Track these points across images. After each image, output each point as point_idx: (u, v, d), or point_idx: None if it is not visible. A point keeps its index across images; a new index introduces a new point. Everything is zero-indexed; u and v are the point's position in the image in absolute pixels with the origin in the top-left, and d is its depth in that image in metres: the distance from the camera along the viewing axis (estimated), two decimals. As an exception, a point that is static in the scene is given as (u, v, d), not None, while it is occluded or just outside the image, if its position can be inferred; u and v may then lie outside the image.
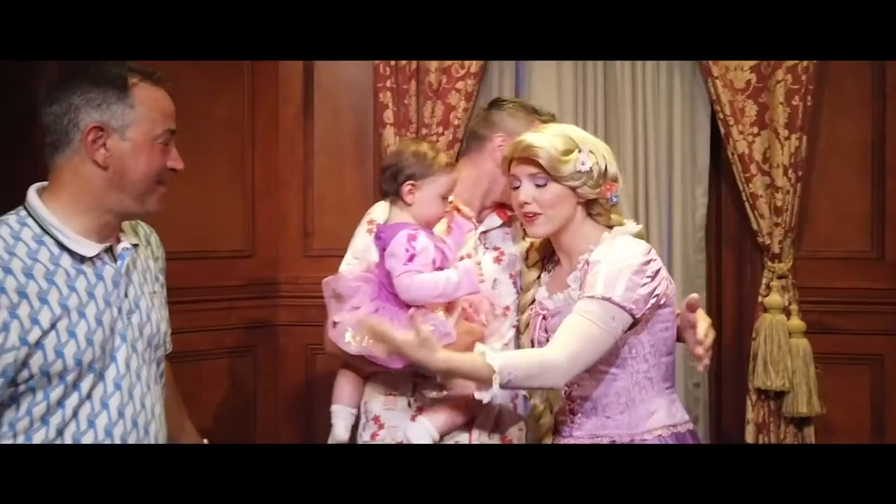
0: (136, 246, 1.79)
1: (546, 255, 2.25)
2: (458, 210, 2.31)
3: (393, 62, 3.17)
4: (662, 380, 2.10)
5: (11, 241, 1.62)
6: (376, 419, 2.21)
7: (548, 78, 3.24)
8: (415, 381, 2.18)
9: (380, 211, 2.31)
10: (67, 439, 1.64)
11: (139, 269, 1.80)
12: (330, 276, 2.20)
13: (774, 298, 3.11)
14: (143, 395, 1.74)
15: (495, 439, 2.25)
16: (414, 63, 3.17)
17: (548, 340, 2.10)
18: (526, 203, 2.07)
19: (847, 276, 3.16)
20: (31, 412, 1.61)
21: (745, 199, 3.12)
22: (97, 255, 1.68)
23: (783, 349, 3.07)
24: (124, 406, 1.69)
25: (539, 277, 2.24)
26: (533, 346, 2.16)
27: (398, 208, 2.15)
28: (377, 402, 2.22)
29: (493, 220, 2.40)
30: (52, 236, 1.65)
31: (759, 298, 3.15)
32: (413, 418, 2.15)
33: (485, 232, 2.37)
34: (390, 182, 2.13)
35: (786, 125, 3.06)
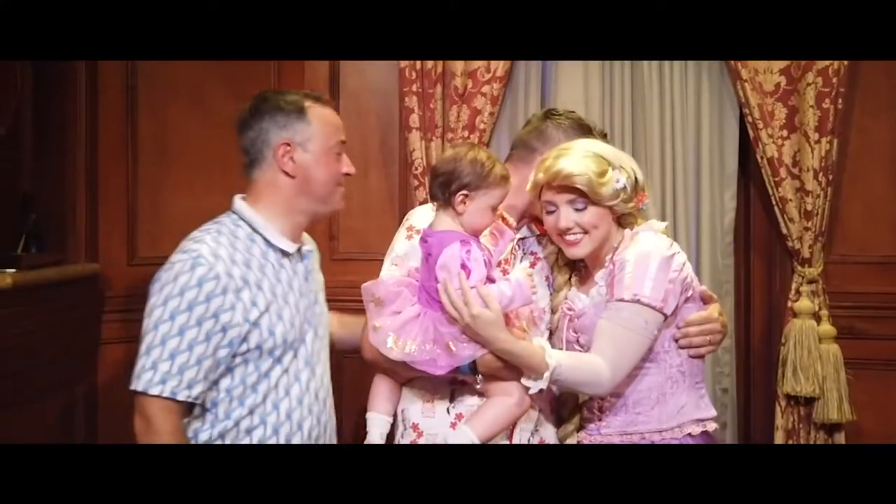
0: (310, 252, 2.13)
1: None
2: (503, 218, 2.28)
3: (419, 66, 3.16)
4: (694, 374, 2.11)
5: (232, 238, 1.98)
6: (415, 427, 2.17)
7: (574, 82, 3.22)
8: (453, 387, 2.14)
9: (419, 217, 2.28)
10: (269, 405, 1.97)
11: (315, 269, 2.16)
12: (369, 281, 2.18)
13: (804, 303, 3.07)
14: (322, 372, 2.10)
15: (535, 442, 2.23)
16: (440, 67, 3.16)
17: (577, 341, 2.11)
18: (569, 229, 2.07)
19: (878, 281, 3.12)
20: (244, 381, 1.95)
21: (774, 203, 3.09)
22: (293, 253, 2.04)
23: (813, 355, 3.03)
24: (310, 380, 2.04)
25: (570, 278, 2.24)
26: (563, 346, 2.15)
27: (447, 216, 2.09)
28: (415, 409, 2.18)
29: (531, 228, 2.38)
30: (261, 235, 2.00)
31: (789, 304, 3.11)
32: (453, 426, 2.11)
33: (522, 239, 2.35)
34: (442, 189, 2.07)
35: (816, 128, 3.02)
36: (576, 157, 2.06)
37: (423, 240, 2.11)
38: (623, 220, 2.13)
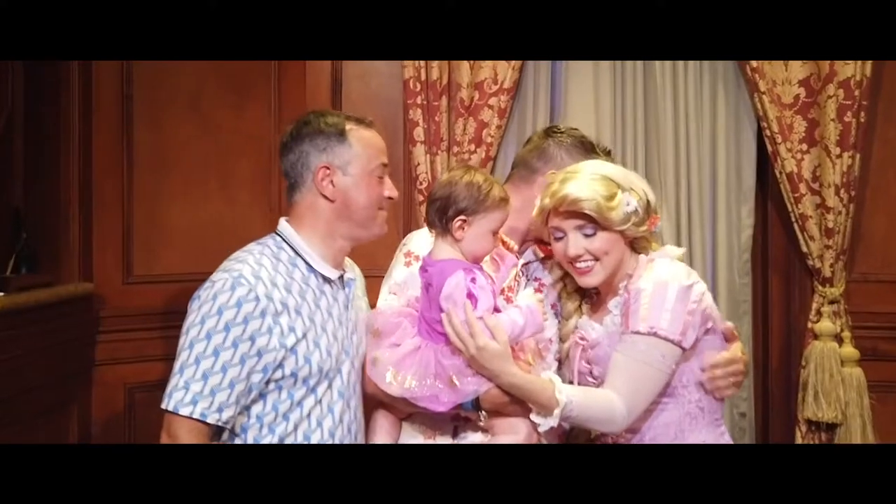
0: (352, 280, 2.08)
1: None
2: (503, 242, 2.17)
3: (423, 77, 3.07)
4: (713, 410, 2.01)
5: (275, 261, 1.93)
6: None
7: (584, 94, 3.13)
8: (456, 423, 2.04)
9: (417, 242, 2.19)
10: (300, 435, 1.92)
11: (357, 297, 2.10)
12: (366, 313, 2.09)
13: (826, 325, 2.96)
14: (356, 406, 2.02)
15: None
16: (445, 78, 3.08)
17: (590, 373, 2.02)
18: (579, 256, 1.97)
19: (903, 301, 3.01)
20: (276, 408, 1.90)
21: (793, 219, 2.98)
22: (334, 280, 1.99)
23: (835, 379, 2.93)
24: (343, 413, 1.97)
25: (580, 305, 2.14)
26: (574, 377, 2.05)
27: (446, 243, 2.00)
28: None
29: (535, 253, 2.27)
30: (303, 259, 1.96)
31: (809, 325, 3.01)
32: None
33: (526, 264, 2.24)
34: (438, 215, 1.98)
35: (837, 142, 2.92)
36: (583, 181, 1.96)
37: (424, 269, 2.01)
38: (637, 245, 2.02)
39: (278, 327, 1.87)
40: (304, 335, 1.90)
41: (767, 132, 2.97)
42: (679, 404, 1.96)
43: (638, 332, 1.88)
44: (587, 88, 3.13)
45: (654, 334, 1.87)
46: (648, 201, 2.00)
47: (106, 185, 3.05)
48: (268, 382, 1.89)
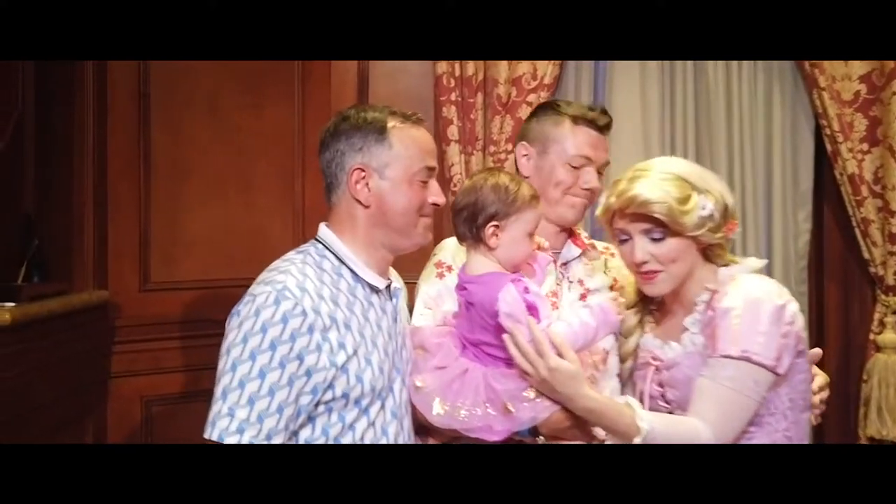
0: (398, 289, 1.91)
1: (647, 296, 1.96)
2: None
3: (458, 73, 2.95)
4: (800, 439, 1.84)
5: (319, 271, 1.75)
6: None
7: (630, 89, 3.00)
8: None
9: (448, 251, 2.05)
10: None
11: (403, 308, 1.92)
12: (408, 327, 1.93)
13: (889, 336, 2.83)
14: (408, 426, 1.84)
15: None
16: (481, 74, 2.95)
17: (663, 396, 1.85)
18: (644, 262, 1.80)
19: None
20: (326, 432, 1.73)
21: (854, 224, 2.83)
22: (381, 290, 1.82)
23: (901, 394, 2.76)
24: (398, 435, 1.80)
25: (642, 321, 1.96)
26: (642, 399, 1.88)
27: (479, 253, 1.84)
28: None
29: (571, 249, 2.11)
30: (348, 268, 1.78)
31: (871, 336, 2.85)
32: None
33: (564, 264, 2.07)
34: (468, 225, 1.83)
35: (902, 141, 2.74)
36: (653, 181, 1.78)
37: (461, 287, 1.85)
38: (710, 254, 1.84)
39: (327, 344, 1.69)
40: (355, 352, 1.72)
41: (827, 131, 2.82)
42: (765, 433, 1.78)
43: (728, 357, 1.70)
44: (633, 84, 2.99)
45: (747, 359, 1.69)
46: (726, 205, 1.81)
47: (121, 188, 2.92)
48: (317, 405, 1.71)
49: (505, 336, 1.74)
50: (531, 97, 2.89)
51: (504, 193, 1.81)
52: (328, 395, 1.70)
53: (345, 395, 1.71)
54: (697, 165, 1.88)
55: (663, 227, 1.77)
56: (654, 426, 1.67)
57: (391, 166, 1.77)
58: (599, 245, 2.16)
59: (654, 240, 1.78)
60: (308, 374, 1.67)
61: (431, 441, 1.93)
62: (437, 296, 2.00)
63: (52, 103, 2.74)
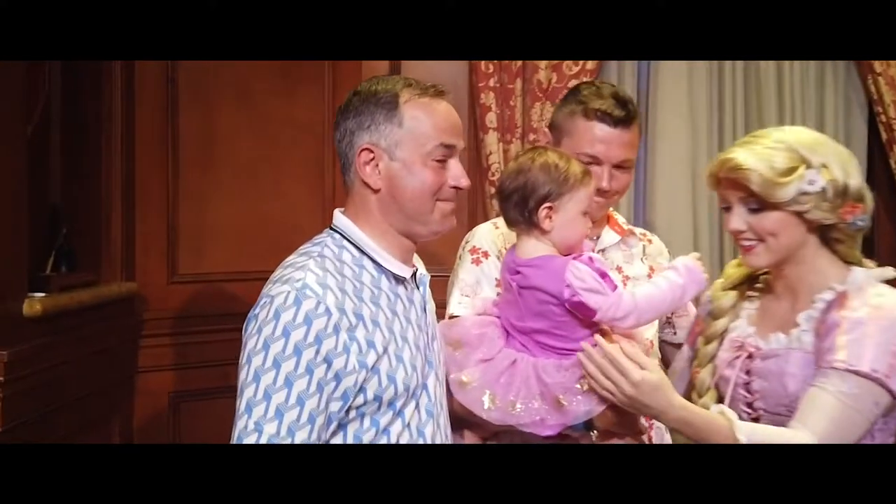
0: (424, 277, 1.75)
1: (749, 279, 1.85)
2: None
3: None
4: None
5: (339, 264, 1.60)
6: None
7: (677, 76, 2.91)
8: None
9: (482, 237, 1.97)
10: None
11: (430, 296, 1.76)
12: (443, 323, 1.83)
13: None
14: (445, 423, 1.71)
15: None
16: (520, 60, 2.86)
17: (746, 385, 1.72)
18: (739, 231, 1.69)
19: None
20: (359, 439, 1.60)
21: (909, 215, 2.72)
22: (407, 279, 1.67)
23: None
24: (434, 434, 1.67)
25: (736, 305, 1.83)
26: (726, 387, 1.76)
27: (533, 238, 1.75)
28: None
29: (610, 235, 2.03)
30: (370, 258, 1.63)
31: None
32: None
33: (602, 250, 1.99)
34: (519, 209, 1.74)
35: (961, 130, 2.65)
36: (758, 148, 1.66)
37: (515, 271, 1.76)
38: (834, 244, 1.69)
39: (355, 344, 1.54)
40: (385, 349, 1.58)
41: (882, 119, 2.73)
42: None
43: (856, 372, 1.56)
44: (680, 70, 2.92)
45: (876, 379, 1.56)
46: (847, 185, 1.65)
47: (149, 177, 2.86)
48: (347, 410, 1.57)
49: (580, 355, 1.65)
50: (572, 83, 2.77)
51: (555, 172, 1.72)
52: (359, 400, 1.57)
53: (377, 398, 1.58)
54: (830, 140, 1.73)
55: (759, 198, 1.65)
56: (752, 441, 1.56)
57: (402, 145, 1.59)
58: (637, 231, 2.09)
59: (752, 210, 1.66)
60: (337, 378, 1.54)
61: (468, 436, 1.85)
62: (474, 282, 1.91)
63: (80, 91, 2.67)
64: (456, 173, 1.62)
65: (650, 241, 2.10)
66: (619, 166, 1.90)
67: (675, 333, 2.09)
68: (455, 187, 1.63)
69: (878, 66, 2.69)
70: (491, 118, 2.86)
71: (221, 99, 2.95)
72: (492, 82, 2.86)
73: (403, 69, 3.09)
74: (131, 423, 2.81)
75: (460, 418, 1.81)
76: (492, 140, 2.86)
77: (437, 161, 1.60)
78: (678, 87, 2.89)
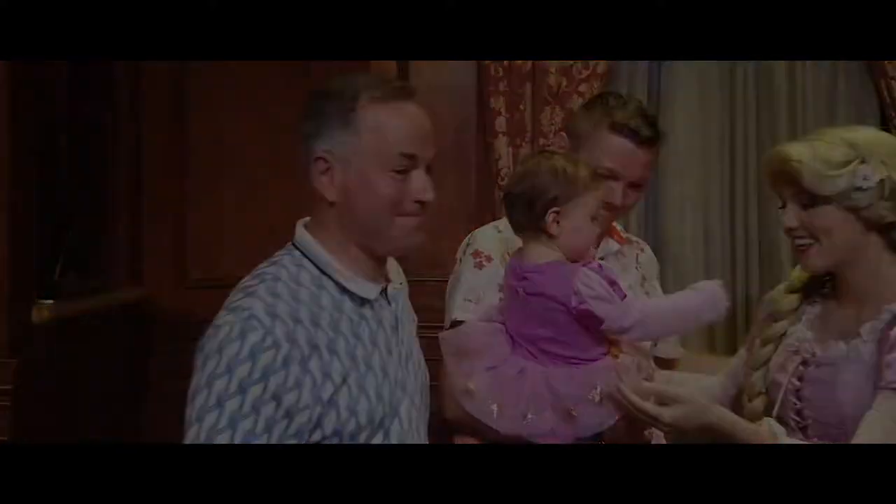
0: (399, 292, 1.61)
1: (815, 283, 1.77)
2: None
3: (506, 62, 2.86)
4: None
5: (294, 287, 1.45)
6: None
7: (688, 80, 2.88)
8: None
9: (484, 239, 1.96)
10: None
11: (406, 308, 1.63)
12: (448, 331, 1.82)
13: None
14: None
15: None
16: (529, 62, 2.85)
17: (797, 392, 1.65)
18: (791, 229, 1.64)
19: None
20: None
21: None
22: (376, 298, 1.52)
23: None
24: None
25: (797, 309, 1.76)
26: (777, 391, 1.70)
27: (540, 243, 1.73)
28: None
29: (610, 244, 2.02)
30: (331, 278, 1.48)
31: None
32: None
33: (602, 258, 1.96)
34: (526, 213, 1.72)
35: (976, 135, 2.62)
36: (813, 142, 1.62)
37: (521, 277, 1.74)
38: None
39: (309, 377, 1.41)
40: (345, 380, 1.44)
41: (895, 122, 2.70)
42: None
43: None
44: (691, 74, 2.89)
45: None
46: None
47: (157, 182, 2.89)
48: None
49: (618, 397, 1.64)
50: (583, 87, 2.80)
51: (563, 176, 1.69)
52: (317, 436, 1.44)
53: (337, 433, 1.45)
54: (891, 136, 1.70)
55: (808, 193, 1.59)
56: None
57: (358, 154, 1.44)
58: (633, 239, 2.10)
59: (804, 206, 1.61)
60: (289, 415, 1.41)
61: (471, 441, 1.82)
62: (478, 287, 1.89)
63: (86, 94, 2.69)
64: (418, 186, 1.46)
65: (642, 249, 2.10)
66: (634, 184, 1.88)
67: (654, 345, 2.04)
68: (418, 201, 1.47)
69: (890, 69, 2.66)
70: (500, 122, 2.85)
71: (231, 101, 2.96)
72: (501, 86, 2.85)
73: (411, 71, 3.09)
74: (141, 433, 2.81)
75: (459, 425, 1.80)
76: (501, 144, 2.85)
77: (397, 172, 1.45)
78: (689, 90, 2.88)
